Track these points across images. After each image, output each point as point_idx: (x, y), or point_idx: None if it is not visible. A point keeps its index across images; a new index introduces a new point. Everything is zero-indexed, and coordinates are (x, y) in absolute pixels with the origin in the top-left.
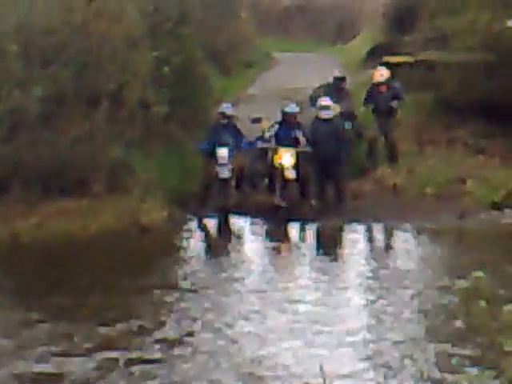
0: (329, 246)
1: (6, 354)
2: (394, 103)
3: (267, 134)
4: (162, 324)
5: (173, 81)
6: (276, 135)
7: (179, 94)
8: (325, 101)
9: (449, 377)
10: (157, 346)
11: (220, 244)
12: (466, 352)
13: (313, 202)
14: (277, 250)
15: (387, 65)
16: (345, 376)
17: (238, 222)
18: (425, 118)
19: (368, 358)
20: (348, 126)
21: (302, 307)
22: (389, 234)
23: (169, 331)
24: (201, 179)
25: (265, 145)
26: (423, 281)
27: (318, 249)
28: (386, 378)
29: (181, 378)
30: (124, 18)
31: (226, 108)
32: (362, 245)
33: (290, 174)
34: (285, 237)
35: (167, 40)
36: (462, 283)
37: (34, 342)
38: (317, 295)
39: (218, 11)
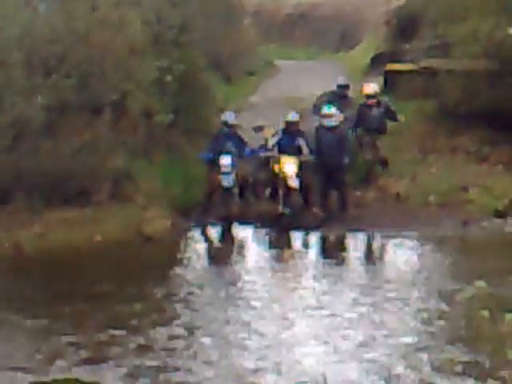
0: (332, 254)
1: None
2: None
3: (270, 142)
4: (166, 333)
5: (176, 90)
6: (279, 144)
7: (182, 102)
8: (328, 109)
9: None
10: (161, 354)
11: (223, 252)
12: (469, 360)
13: (316, 210)
14: (280, 259)
15: (390, 73)
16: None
17: (242, 231)
18: (428, 126)
19: (370, 363)
20: (352, 134)
21: (302, 317)
22: (391, 243)
23: (173, 340)
24: (204, 188)
25: (268, 153)
26: (426, 289)
27: (321, 257)
28: None
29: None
30: (127, 28)
31: (229, 117)
32: (364, 253)
33: (293, 183)
34: (288, 245)
35: (170, 49)
36: (465, 291)
37: (40, 352)
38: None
39: (221, 20)
